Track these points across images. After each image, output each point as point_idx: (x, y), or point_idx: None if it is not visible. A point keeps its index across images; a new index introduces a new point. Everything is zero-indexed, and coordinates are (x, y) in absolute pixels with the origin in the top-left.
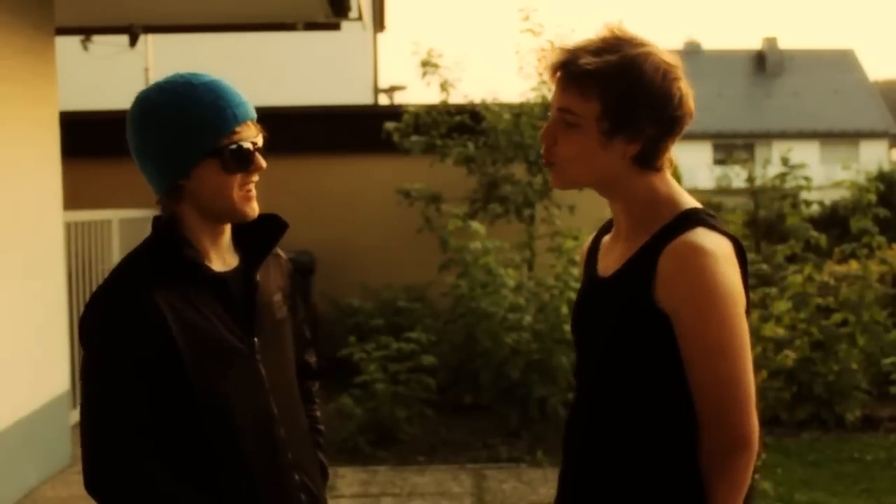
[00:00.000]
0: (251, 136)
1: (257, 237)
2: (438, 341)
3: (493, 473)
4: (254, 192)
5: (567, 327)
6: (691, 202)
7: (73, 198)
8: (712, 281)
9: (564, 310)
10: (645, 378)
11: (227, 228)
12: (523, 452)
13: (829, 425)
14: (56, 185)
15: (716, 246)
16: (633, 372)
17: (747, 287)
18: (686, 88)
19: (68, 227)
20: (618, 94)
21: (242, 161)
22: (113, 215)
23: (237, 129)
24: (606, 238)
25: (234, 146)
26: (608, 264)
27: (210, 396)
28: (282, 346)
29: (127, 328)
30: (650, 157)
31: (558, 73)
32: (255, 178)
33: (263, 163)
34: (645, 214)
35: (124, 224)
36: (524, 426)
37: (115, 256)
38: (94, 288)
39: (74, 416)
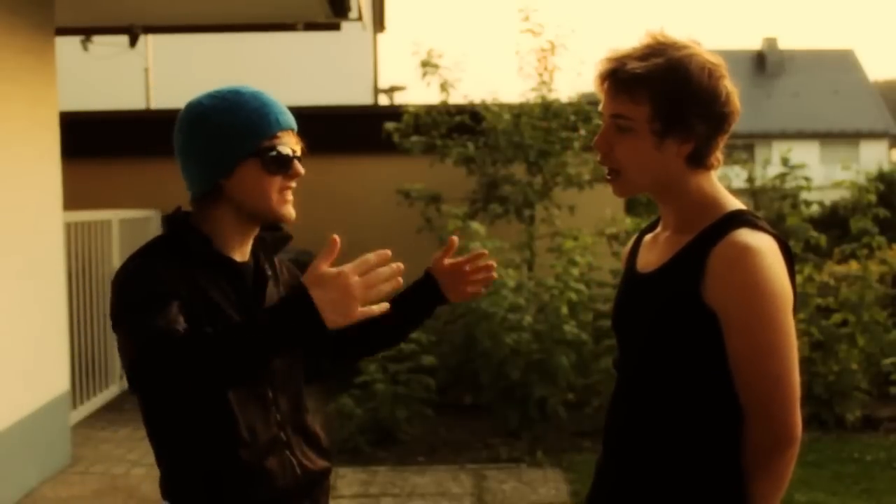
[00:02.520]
0: (292, 143)
1: (262, 240)
2: (438, 341)
3: (493, 473)
4: (291, 197)
5: (567, 327)
6: (736, 204)
7: (73, 198)
8: (763, 280)
9: (564, 310)
10: (688, 373)
11: (256, 230)
12: (523, 452)
13: (829, 425)
14: (56, 185)
15: (765, 245)
16: (675, 366)
17: (794, 284)
18: (731, 87)
19: (68, 227)
20: (667, 94)
21: (282, 164)
22: (113, 215)
23: (279, 133)
24: (648, 236)
25: (275, 149)
26: (648, 261)
27: None
28: None
29: (161, 274)
30: (703, 156)
31: (606, 82)
32: (293, 184)
33: (302, 170)
34: (693, 214)
35: (124, 224)
36: (524, 426)
37: (115, 257)
38: (95, 288)
39: (74, 416)
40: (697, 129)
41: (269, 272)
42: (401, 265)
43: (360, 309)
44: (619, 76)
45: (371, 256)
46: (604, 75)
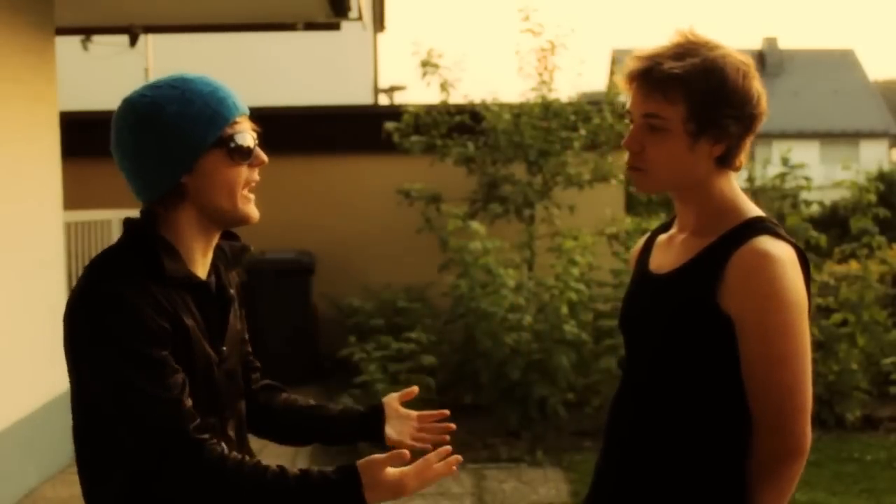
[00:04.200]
0: (250, 128)
1: (222, 251)
2: (438, 341)
3: (493, 473)
4: (253, 196)
5: (567, 327)
6: (756, 210)
7: (73, 198)
8: (781, 289)
9: (564, 310)
10: (698, 377)
11: (217, 238)
12: (523, 452)
13: (829, 425)
14: (56, 185)
15: (784, 254)
16: (686, 370)
17: (809, 293)
18: (761, 88)
19: (68, 227)
20: (703, 95)
21: (246, 151)
22: (113, 215)
23: (238, 118)
24: (662, 237)
25: (237, 135)
26: (663, 262)
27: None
28: (237, 355)
29: (139, 307)
30: (731, 157)
31: (637, 81)
32: (257, 176)
33: (265, 158)
34: (713, 217)
35: None
36: (524, 426)
37: None
38: None
39: None
40: (730, 129)
41: (232, 291)
42: (459, 458)
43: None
44: (654, 75)
45: (432, 457)
46: (635, 74)
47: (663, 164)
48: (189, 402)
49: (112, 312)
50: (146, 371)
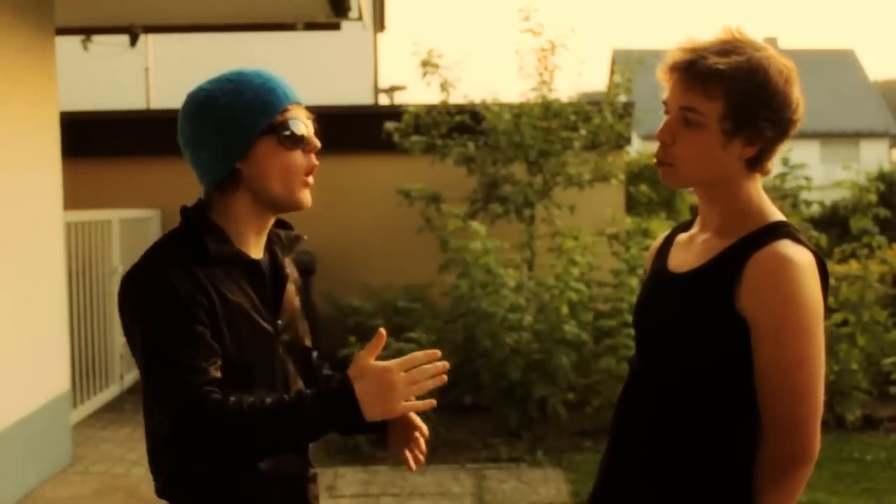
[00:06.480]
0: (303, 116)
1: (278, 237)
2: (438, 341)
3: (493, 473)
4: (311, 182)
5: (567, 327)
6: (779, 215)
7: (73, 198)
8: (799, 293)
9: (564, 310)
10: (710, 378)
11: (271, 223)
12: (523, 452)
13: (829, 425)
14: (56, 185)
15: (804, 259)
16: (699, 370)
17: (826, 299)
18: (800, 95)
19: (68, 227)
20: (743, 94)
21: (297, 136)
22: (113, 215)
23: (289, 106)
24: (683, 236)
25: (288, 122)
26: (683, 261)
27: (238, 373)
28: (296, 332)
29: (178, 286)
30: (762, 160)
31: (677, 73)
32: (315, 161)
33: (318, 143)
34: (737, 218)
35: (124, 224)
36: (524, 426)
37: (115, 256)
38: (95, 288)
39: (74, 416)
40: (766, 132)
41: (287, 270)
42: (446, 364)
43: (404, 404)
44: (697, 69)
45: (419, 354)
46: (677, 66)
47: (692, 159)
48: (216, 374)
49: (150, 289)
50: (177, 342)
